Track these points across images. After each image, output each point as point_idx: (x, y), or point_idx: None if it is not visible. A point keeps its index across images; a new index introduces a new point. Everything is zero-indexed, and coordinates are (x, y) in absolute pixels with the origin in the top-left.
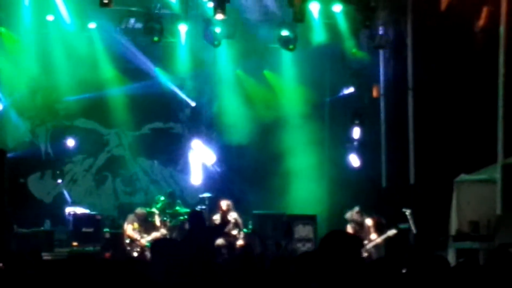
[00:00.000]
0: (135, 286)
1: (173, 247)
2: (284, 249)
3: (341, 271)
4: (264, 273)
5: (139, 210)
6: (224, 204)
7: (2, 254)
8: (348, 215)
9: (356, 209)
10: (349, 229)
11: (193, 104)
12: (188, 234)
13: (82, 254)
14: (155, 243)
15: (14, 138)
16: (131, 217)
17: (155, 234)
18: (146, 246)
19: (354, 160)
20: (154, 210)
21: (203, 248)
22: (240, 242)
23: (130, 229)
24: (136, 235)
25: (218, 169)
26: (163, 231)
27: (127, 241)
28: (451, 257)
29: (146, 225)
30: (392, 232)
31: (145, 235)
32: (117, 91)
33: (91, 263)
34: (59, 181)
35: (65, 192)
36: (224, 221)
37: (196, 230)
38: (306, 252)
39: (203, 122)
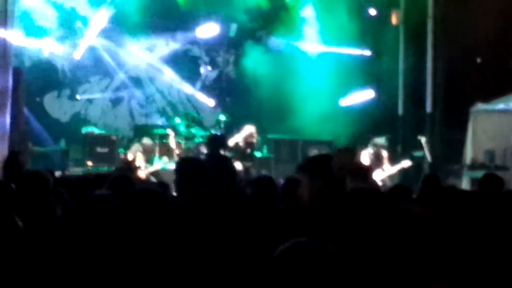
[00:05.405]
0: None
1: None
2: None
3: None
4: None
5: (145, 141)
6: (248, 129)
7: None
8: (377, 141)
9: (383, 140)
10: (365, 156)
11: (211, 25)
12: (207, 158)
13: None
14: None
15: (31, 57)
16: (134, 147)
17: (153, 169)
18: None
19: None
20: (169, 132)
21: (224, 172)
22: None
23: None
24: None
25: (234, 92)
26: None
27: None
28: (465, 186)
29: (149, 156)
30: (406, 163)
31: (147, 167)
32: (134, 11)
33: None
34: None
35: None
36: (247, 143)
37: (215, 156)
38: None
39: (221, 44)
